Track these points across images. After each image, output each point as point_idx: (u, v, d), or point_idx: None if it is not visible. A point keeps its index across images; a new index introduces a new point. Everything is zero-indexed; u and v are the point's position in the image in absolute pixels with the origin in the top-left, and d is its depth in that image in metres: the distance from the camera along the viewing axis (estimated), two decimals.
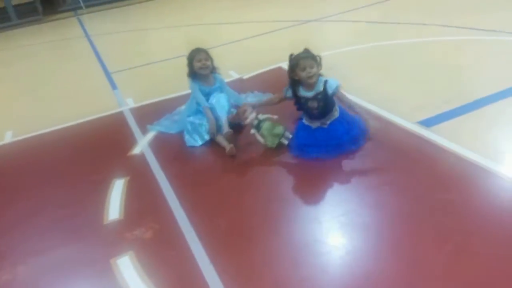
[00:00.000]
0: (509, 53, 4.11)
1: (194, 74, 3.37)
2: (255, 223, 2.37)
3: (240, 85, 4.28)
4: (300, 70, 2.74)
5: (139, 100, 4.47)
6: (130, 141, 3.56)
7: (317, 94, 2.79)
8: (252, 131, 3.07)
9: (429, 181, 2.45)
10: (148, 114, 4.03)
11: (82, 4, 11.63)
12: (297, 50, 2.85)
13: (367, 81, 3.98)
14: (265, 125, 3.03)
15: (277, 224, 2.33)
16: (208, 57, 3.33)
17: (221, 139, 3.18)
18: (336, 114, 2.88)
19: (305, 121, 2.95)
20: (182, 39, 6.99)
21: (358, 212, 2.29)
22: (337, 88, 2.79)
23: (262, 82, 4.48)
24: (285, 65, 4.96)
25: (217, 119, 3.26)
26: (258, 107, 3.12)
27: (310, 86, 2.79)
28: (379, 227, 2.18)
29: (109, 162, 3.29)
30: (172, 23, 8.35)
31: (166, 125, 3.69)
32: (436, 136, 2.83)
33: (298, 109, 2.95)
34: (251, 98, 3.80)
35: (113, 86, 5.11)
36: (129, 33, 8.16)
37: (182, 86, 4.47)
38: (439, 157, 2.66)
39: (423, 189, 2.39)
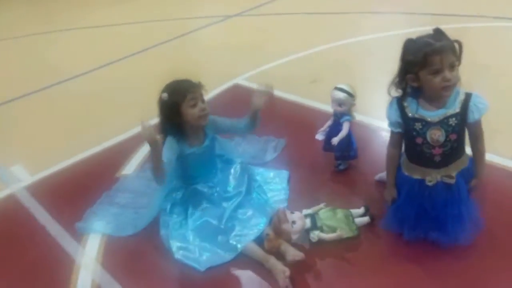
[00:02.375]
0: None
1: (179, 129, 1.91)
2: None
3: None
4: (429, 72, 1.48)
5: (35, 166, 2.73)
6: (61, 260, 1.94)
7: (449, 116, 1.55)
8: (313, 236, 1.79)
9: None
10: (65, 195, 2.41)
11: None
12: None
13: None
14: (322, 215, 1.85)
15: None
16: (202, 94, 1.91)
17: (255, 250, 1.80)
18: (465, 160, 1.67)
19: (407, 170, 1.69)
20: (59, 51, 5.08)
21: None
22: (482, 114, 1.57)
23: (224, 107, 3.11)
24: (242, 81, 3.81)
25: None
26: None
27: (438, 102, 1.56)
28: None
29: None
30: (30, 28, 6.12)
31: (111, 219, 2.13)
32: None
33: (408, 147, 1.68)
34: (245, 145, 2.46)
35: None
36: None
37: (107, 131, 2.98)
38: None
39: None
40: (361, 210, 1.90)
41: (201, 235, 1.89)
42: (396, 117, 1.62)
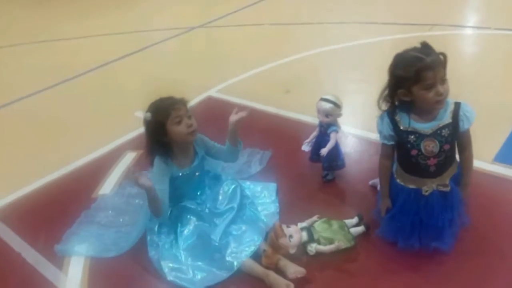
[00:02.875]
0: None
1: (167, 149, 1.85)
2: None
3: None
4: (422, 88, 1.50)
5: (3, 189, 2.55)
6: None
7: (441, 127, 1.58)
8: (310, 249, 1.78)
9: None
10: (39, 218, 2.27)
11: None
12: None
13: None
14: (318, 228, 1.84)
15: None
16: (188, 110, 1.86)
17: (253, 266, 1.75)
18: (456, 165, 1.70)
19: (402, 180, 1.70)
20: (18, 66, 4.82)
21: None
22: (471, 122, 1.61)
23: (200, 120, 3.05)
24: (214, 93, 3.75)
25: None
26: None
27: (429, 114, 1.59)
28: None
29: None
30: None
31: (92, 239, 2.02)
32: None
33: (400, 158, 1.70)
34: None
35: None
36: None
37: (79, 149, 2.85)
38: None
39: None
40: (355, 220, 1.91)
41: (194, 254, 1.83)
42: (389, 130, 1.63)
